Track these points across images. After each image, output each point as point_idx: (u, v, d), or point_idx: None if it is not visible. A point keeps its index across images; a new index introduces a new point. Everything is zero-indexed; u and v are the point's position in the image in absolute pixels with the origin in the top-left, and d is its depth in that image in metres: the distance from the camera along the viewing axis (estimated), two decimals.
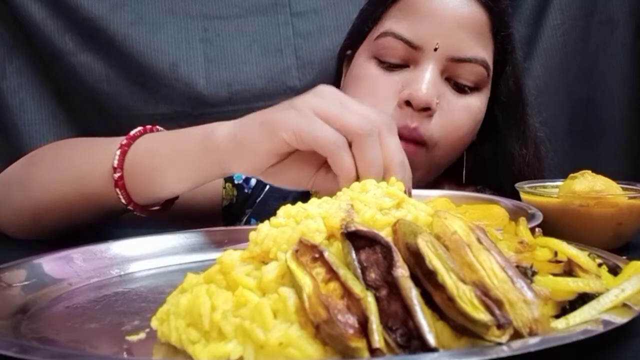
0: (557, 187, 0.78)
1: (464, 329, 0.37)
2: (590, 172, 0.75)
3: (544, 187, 0.80)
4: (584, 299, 0.42)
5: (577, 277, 0.44)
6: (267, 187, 1.06)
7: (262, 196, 1.05)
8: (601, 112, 1.35)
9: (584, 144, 1.35)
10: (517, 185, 0.79)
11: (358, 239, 0.41)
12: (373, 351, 0.35)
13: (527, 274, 0.42)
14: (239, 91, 1.21)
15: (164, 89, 1.21)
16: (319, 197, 0.49)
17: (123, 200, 0.73)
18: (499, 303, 0.37)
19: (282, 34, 1.26)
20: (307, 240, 0.41)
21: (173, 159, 0.71)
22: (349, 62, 1.00)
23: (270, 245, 0.44)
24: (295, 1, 1.26)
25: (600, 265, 0.48)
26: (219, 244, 0.69)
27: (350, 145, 0.59)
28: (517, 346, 0.35)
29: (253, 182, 1.06)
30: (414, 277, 0.38)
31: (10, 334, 0.46)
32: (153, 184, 0.72)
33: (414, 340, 0.36)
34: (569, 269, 0.45)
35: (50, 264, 0.61)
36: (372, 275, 0.39)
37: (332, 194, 0.50)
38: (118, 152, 0.73)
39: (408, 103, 0.87)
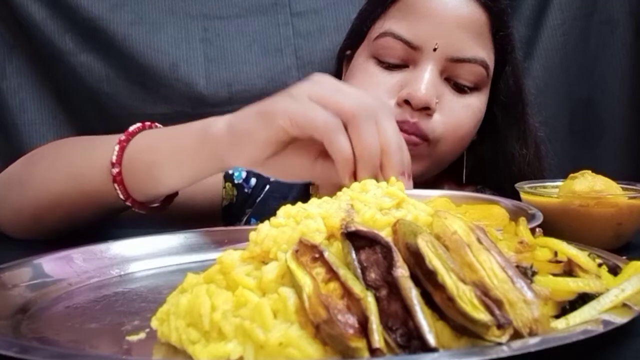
0: (557, 187, 0.78)
1: (464, 329, 0.37)
2: (590, 172, 0.75)
3: (544, 187, 0.80)
4: (584, 299, 0.42)
5: (577, 277, 0.44)
6: (267, 186, 1.06)
7: (262, 196, 1.05)
8: (601, 112, 1.35)
9: (584, 144, 1.35)
10: (517, 185, 0.79)
11: (358, 239, 0.41)
12: (373, 351, 0.35)
13: (527, 274, 0.42)
14: (239, 91, 1.22)
15: (164, 89, 1.21)
16: (319, 197, 0.49)
17: (121, 196, 0.73)
18: (499, 303, 0.37)
19: (282, 34, 1.26)
20: (307, 240, 0.41)
21: (171, 154, 0.71)
22: (348, 62, 1.00)
23: (270, 245, 0.44)
24: (295, 1, 1.27)
25: (600, 265, 0.48)
26: (219, 244, 0.69)
27: (347, 129, 0.59)
28: (517, 346, 0.35)
29: (253, 181, 1.06)
30: (414, 277, 0.38)
31: (10, 334, 0.46)
32: (152, 180, 0.72)
33: (414, 340, 0.36)
34: (569, 269, 0.45)
35: (50, 264, 0.61)
36: (372, 275, 0.39)
37: (332, 186, 0.50)
38: (116, 148, 0.73)
39: (407, 102, 0.87)
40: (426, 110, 0.87)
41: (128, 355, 0.43)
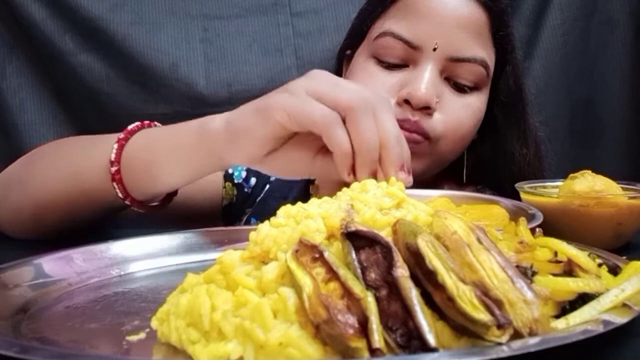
0: (557, 187, 0.78)
1: (464, 329, 0.37)
2: (590, 172, 0.75)
3: (544, 187, 0.80)
4: (584, 299, 0.42)
5: (577, 277, 0.44)
6: (267, 186, 1.06)
7: (262, 195, 1.05)
8: (601, 112, 1.35)
9: (584, 144, 1.35)
10: (517, 185, 0.79)
11: (358, 239, 0.41)
12: (373, 351, 0.35)
13: (527, 274, 0.42)
14: (239, 91, 1.22)
15: (164, 89, 1.21)
16: (319, 197, 0.49)
17: (120, 195, 0.73)
18: (499, 303, 0.37)
19: (282, 34, 1.26)
20: (307, 240, 0.41)
21: (169, 152, 0.71)
22: (348, 62, 1.00)
23: (270, 245, 0.44)
24: (295, 1, 1.27)
25: (600, 265, 0.48)
26: (219, 244, 0.69)
27: (345, 123, 0.59)
28: (517, 346, 0.35)
29: (253, 181, 1.06)
30: (414, 277, 0.38)
31: (10, 334, 0.46)
32: (150, 178, 0.72)
33: (414, 340, 0.36)
34: (569, 269, 0.45)
35: (50, 264, 0.61)
36: (372, 275, 0.39)
37: (332, 183, 0.50)
38: (115, 147, 0.73)
39: (407, 102, 0.87)
40: (426, 109, 0.87)
41: (128, 355, 0.43)
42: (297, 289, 0.39)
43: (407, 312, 0.36)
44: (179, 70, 1.21)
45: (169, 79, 1.21)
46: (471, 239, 0.41)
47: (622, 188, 0.74)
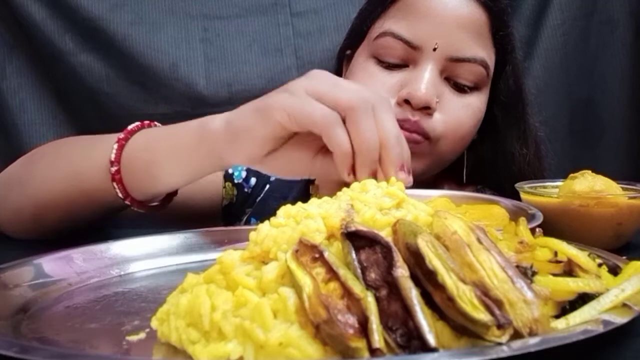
0: (557, 187, 0.78)
1: (464, 329, 0.37)
2: (590, 172, 0.75)
3: (544, 187, 0.80)
4: (584, 299, 0.42)
5: (577, 277, 0.44)
6: (267, 186, 1.06)
7: (262, 195, 1.05)
8: (601, 112, 1.35)
9: (584, 144, 1.35)
10: (517, 185, 0.79)
11: (358, 239, 0.41)
12: (373, 351, 0.35)
13: (527, 274, 0.42)
14: (239, 91, 1.22)
15: (164, 89, 1.21)
16: (319, 197, 0.49)
17: (120, 195, 0.73)
18: (499, 303, 0.37)
19: (282, 34, 1.26)
20: (307, 240, 0.41)
21: (169, 152, 0.71)
22: (348, 62, 1.00)
23: (270, 245, 0.44)
24: (295, 1, 1.27)
25: (600, 265, 0.48)
26: (219, 244, 0.69)
27: (345, 123, 0.59)
28: (517, 346, 0.35)
29: (253, 181, 1.06)
30: (414, 277, 0.38)
31: (10, 334, 0.46)
32: (150, 178, 0.72)
33: (414, 340, 0.36)
34: (569, 269, 0.45)
35: (50, 264, 0.61)
36: (372, 275, 0.39)
37: (332, 183, 0.50)
38: (115, 146, 0.73)
39: (407, 102, 0.87)
40: (426, 109, 0.87)
41: (128, 355, 0.43)
42: (297, 289, 0.39)
43: (407, 312, 0.36)
44: (179, 70, 1.21)
45: (169, 79, 1.21)
46: (471, 239, 0.41)
47: (622, 188, 0.74)
